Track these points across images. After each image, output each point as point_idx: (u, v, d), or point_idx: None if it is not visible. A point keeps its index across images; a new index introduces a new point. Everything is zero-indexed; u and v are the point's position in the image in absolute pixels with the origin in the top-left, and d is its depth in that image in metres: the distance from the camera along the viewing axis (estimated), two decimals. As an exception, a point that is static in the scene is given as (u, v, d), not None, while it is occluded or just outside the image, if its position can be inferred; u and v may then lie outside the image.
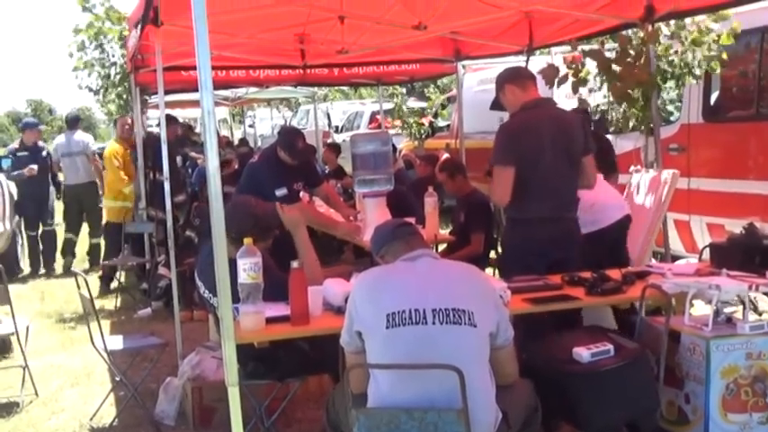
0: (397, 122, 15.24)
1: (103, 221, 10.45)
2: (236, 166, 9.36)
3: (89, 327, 5.13)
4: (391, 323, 2.99)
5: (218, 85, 11.15)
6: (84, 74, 11.17)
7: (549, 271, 4.46)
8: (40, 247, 10.88)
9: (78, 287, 5.20)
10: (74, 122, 11.35)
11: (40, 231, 10.84)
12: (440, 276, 3.18)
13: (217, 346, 4.92)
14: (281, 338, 3.70)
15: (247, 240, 3.54)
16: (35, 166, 10.46)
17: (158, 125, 8.56)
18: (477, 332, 3.03)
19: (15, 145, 11.14)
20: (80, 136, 11.12)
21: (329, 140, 19.22)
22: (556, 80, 6.44)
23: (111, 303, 8.78)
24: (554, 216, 4.63)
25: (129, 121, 9.81)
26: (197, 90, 3.10)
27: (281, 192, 5.76)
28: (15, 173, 10.49)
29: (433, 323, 2.99)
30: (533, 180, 4.56)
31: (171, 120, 10.96)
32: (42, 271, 10.86)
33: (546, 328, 4.10)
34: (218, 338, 3.87)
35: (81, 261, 11.11)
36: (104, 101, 12.20)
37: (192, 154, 11.43)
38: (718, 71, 6.80)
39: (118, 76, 11.06)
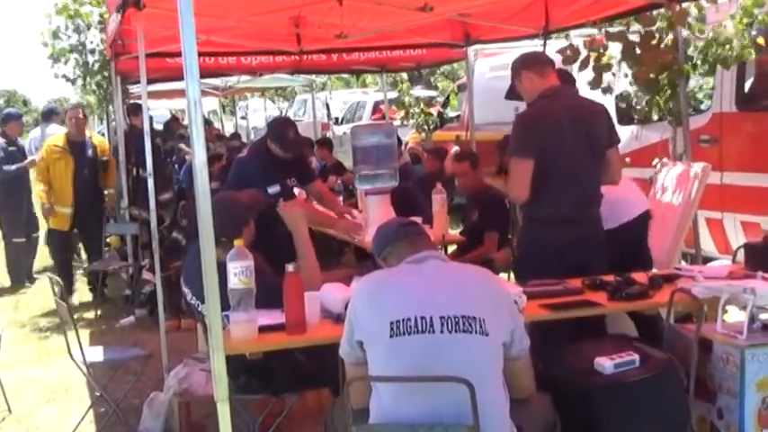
0: (402, 113, 15.24)
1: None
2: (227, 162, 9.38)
3: (66, 337, 5.14)
4: (395, 332, 2.99)
5: (206, 73, 11.15)
6: (60, 62, 11.21)
7: (568, 275, 4.45)
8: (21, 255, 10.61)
9: (54, 293, 5.21)
10: (49, 115, 11.36)
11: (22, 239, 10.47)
12: (448, 280, 3.17)
13: (206, 358, 4.92)
14: (276, 349, 3.70)
15: (238, 242, 3.54)
16: (36, 157, 10.13)
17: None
18: (489, 341, 3.02)
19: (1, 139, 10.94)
20: (55, 129, 11.13)
21: (328, 133, 19.25)
22: (577, 63, 6.44)
23: (90, 311, 8.78)
24: (575, 215, 4.63)
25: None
26: (183, 78, 3.11)
27: (273, 189, 5.74)
28: (14, 167, 10.16)
29: (441, 332, 2.98)
30: (553, 175, 4.56)
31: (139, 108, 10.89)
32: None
33: (565, 337, 4.09)
34: (206, 349, 3.87)
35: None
36: (83, 91, 12.22)
37: (182, 146, 11.45)
38: (753, 58, 6.79)
39: (97, 64, 11.09)
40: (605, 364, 3.53)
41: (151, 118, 8.71)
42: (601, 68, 6.40)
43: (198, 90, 3.09)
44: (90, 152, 9.38)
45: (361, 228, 6.15)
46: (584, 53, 6.46)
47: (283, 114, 24.48)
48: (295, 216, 4.54)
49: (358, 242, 6.28)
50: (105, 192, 9.54)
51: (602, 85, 6.64)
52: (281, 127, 6.16)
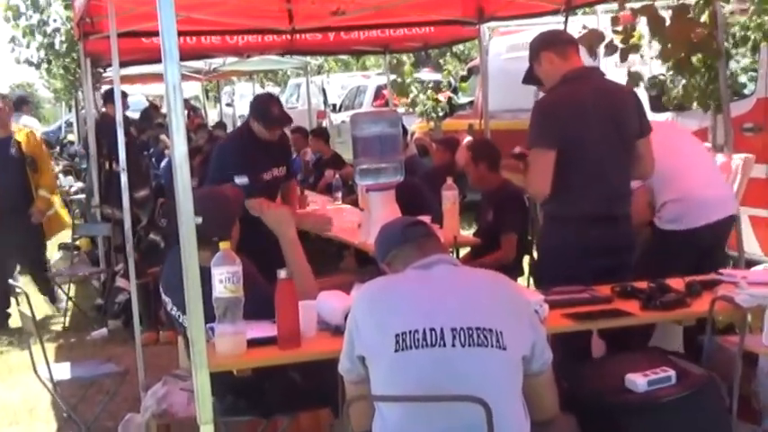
0: (406, 99, 15.22)
1: None
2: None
3: (31, 352, 5.14)
4: (401, 345, 2.99)
5: (187, 54, 11.15)
6: (22, 44, 11.22)
7: (596, 280, 4.45)
8: None
9: (18, 303, 5.21)
10: (19, 104, 11.38)
11: None
12: (461, 288, 3.17)
13: (187, 375, 4.91)
14: (267, 365, 3.69)
15: (224, 244, 3.54)
16: None
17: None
18: (507, 356, 3.02)
19: None
20: (26, 120, 11.14)
21: (324, 122, 19.26)
22: (601, 48, 6.43)
23: (57, 323, 8.79)
24: (603, 213, 4.63)
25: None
26: (160, 61, 3.11)
27: (241, 180, 5.75)
28: None
29: (453, 345, 2.98)
30: (577, 168, 4.56)
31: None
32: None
33: (591, 351, 4.09)
34: (188, 365, 3.87)
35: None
36: (49, 75, 12.24)
37: (163, 137, 11.46)
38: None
39: (64, 46, 11.09)
40: (638, 381, 3.52)
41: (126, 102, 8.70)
42: (628, 50, 6.38)
43: (178, 74, 3.09)
44: (13, 150, 8.84)
45: (331, 222, 6.18)
46: (610, 34, 6.44)
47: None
48: (278, 217, 4.51)
49: (358, 244, 6.28)
50: (42, 193, 9.02)
51: (632, 70, 6.61)
52: (264, 103, 6.19)
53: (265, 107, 6.09)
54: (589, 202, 4.60)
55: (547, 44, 4.77)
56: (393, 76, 13.88)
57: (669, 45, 6.19)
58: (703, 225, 5.29)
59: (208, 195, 4.41)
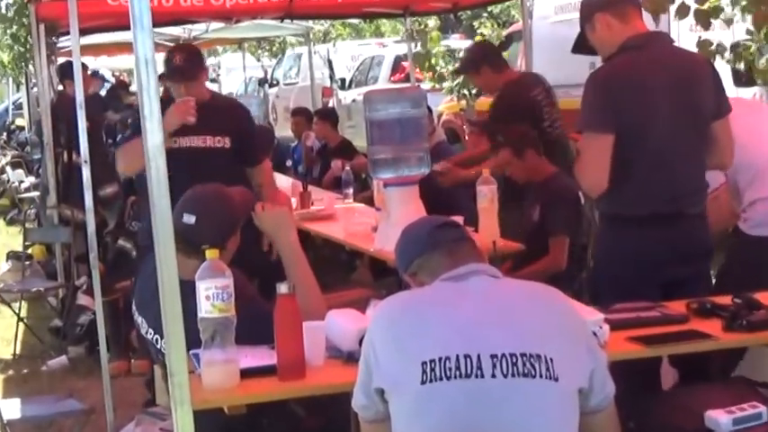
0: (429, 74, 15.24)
1: None
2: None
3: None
4: (429, 376, 3.00)
5: (162, 19, 11.18)
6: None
7: (665, 295, 4.45)
8: None
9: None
10: None
11: None
12: (502, 305, 3.18)
13: (166, 414, 4.94)
14: (264, 401, 3.71)
15: (211, 253, 3.56)
16: None
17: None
18: (559, 388, 3.03)
19: None
20: None
21: (331, 101, 19.27)
22: (670, 11, 6.41)
23: (6, 349, 8.83)
24: (673, 212, 4.64)
25: None
26: (129, 28, 3.12)
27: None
28: None
29: (493, 375, 2.99)
30: (640, 157, 4.58)
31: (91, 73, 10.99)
32: None
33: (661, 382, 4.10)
34: (168, 401, 3.89)
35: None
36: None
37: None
38: None
39: (11, 9, 11.13)
40: (720, 419, 3.52)
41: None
42: (706, 15, 6.36)
43: (151, 44, 3.10)
44: None
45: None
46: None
47: (269, 75, 24.55)
48: (277, 221, 4.51)
49: (374, 252, 6.29)
50: None
51: (711, 47, 6.59)
52: (168, 53, 6.34)
53: (167, 57, 6.24)
54: (654, 199, 4.60)
55: (603, 4, 4.77)
56: (415, 45, 13.87)
57: (763, 8, 6.18)
58: None
59: (209, 194, 4.43)
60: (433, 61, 15.08)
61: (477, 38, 15.86)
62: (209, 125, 6.11)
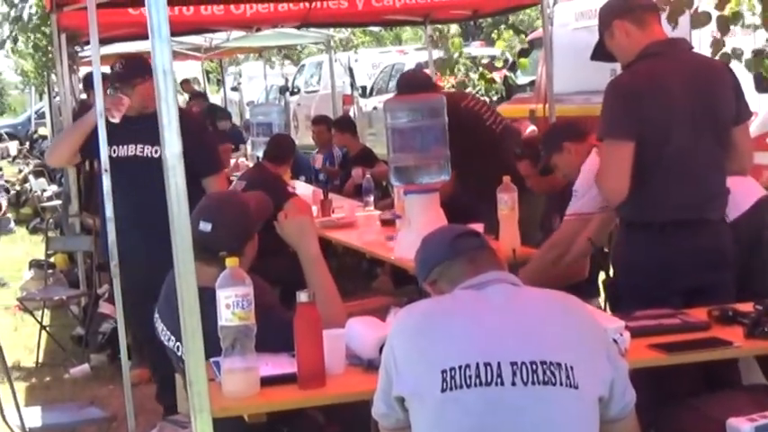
0: (452, 79, 15.20)
1: None
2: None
3: (-3, 393, 5.18)
4: (449, 384, 3.00)
5: (182, 28, 11.22)
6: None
7: (687, 302, 4.44)
8: None
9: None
10: None
11: None
12: (522, 313, 3.18)
13: (187, 421, 4.94)
14: (285, 409, 3.71)
15: (231, 261, 3.56)
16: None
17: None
18: (579, 396, 3.02)
19: None
20: None
21: (352, 109, 19.28)
22: (687, 15, 6.39)
23: (29, 357, 8.85)
24: (694, 218, 4.63)
25: None
26: (149, 37, 3.13)
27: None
28: None
29: (513, 383, 2.98)
30: (661, 163, 4.57)
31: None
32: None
33: (684, 389, 4.08)
34: (188, 408, 3.90)
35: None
36: (15, 55, 12.32)
37: None
38: None
39: (34, 19, 11.16)
40: (742, 427, 3.50)
41: None
42: (725, 21, 6.33)
43: (168, 55, 3.11)
44: None
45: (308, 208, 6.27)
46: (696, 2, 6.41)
47: (291, 83, 24.58)
48: (298, 226, 4.52)
49: (394, 260, 6.29)
50: None
51: (723, 48, 6.55)
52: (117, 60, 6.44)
53: (112, 64, 6.36)
54: (675, 205, 4.59)
55: (621, 11, 4.77)
56: (436, 52, 13.85)
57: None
58: None
59: (224, 200, 4.44)
60: (455, 67, 15.04)
61: (499, 43, 15.84)
62: (150, 135, 5.96)
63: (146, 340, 6.32)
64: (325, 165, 11.91)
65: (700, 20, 6.47)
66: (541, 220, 6.86)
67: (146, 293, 5.92)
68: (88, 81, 9.72)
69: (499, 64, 15.59)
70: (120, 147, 6.18)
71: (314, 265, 4.37)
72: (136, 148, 6.17)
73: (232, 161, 11.49)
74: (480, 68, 15.42)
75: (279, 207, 7.24)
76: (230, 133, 14.50)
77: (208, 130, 7.64)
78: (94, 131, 6.10)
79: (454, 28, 15.08)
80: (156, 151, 6.10)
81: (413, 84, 6.91)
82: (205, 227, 4.04)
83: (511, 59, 15.76)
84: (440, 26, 13.81)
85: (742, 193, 5.37)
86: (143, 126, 5.99)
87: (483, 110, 7.63)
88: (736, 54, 6.76)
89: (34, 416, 5.40)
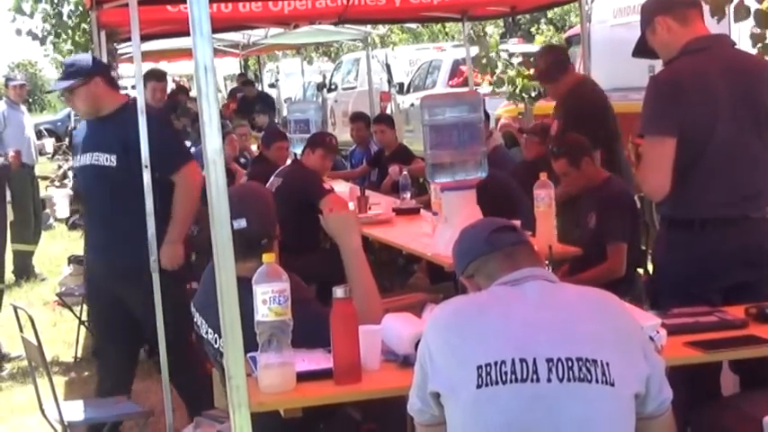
0: (488, 77, 15.16)
1: None
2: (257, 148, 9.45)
3: (36, 387, 5.21)
4: (485, 380, 3.00)
5: (222, 25, 11.26)
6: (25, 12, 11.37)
7: (726, 300, 4.41)
8: None
9: (21, 328, 5.29)
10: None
11: None
12: (558, 310, 3.17)
13: (224, 416, 4.96)
14: (321, 404, 3.72)
15: (268, 257, 3.57)
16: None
17: (134, 86, 8.64)
18: (615, 393, 3.02)
19: None
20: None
21: (389, 106, 19.27)
22: (730, 7, 6.35)
23: (68, 352, 8.90)
24: (735, 215, 4.61)
25: None
26: (189, 34, 3.14)
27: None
28: None
29: (549, 380, 2.98)
30: (703, 159, 4.55)
31: (154, 76, 11.04)
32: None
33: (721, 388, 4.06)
34: (225, 404, 3.91)
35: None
36: (56, 51, 12.37)
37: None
38: None
39: (74, 16, 11.21)
40: (780, 425, 3.49)
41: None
42: (765, 15, 6.28)
43: (210, 51, 3.12)
44: None
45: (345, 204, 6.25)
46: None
47: (328, 80, 24.61)
48: (342, 222, 4.54)
49: (431, 257, 6.28)
50: None
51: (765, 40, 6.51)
52: None
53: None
54: (717, 202, 4.57)
55: (662, 7, 4.75)
56: (474, 50, 13.81)
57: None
58: None
59: (242, 194, 4.46)
60: (494, 65, 14.99)
61: (538, 40, 15.77)
62: (106, 142, 6.01)
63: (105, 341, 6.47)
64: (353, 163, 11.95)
65: (740, 13, 6.43)
66: (578, 219, 6.85)
67: (106, 298, 6.00)
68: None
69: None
70: (81, 156, 6.14)
71: (355, 260, 4.38)
72: (92, 157, 6.04)
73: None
74: (519, 66, 15.36)
75: (315, 204, 7.29)
76: (270, 129, 14.48)
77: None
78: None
79: (493, 26, 15.05)
80: (111, 159, 5.98)
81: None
82: (239, 224, 4.05)
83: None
84: (479, 23, 13.74)
85: None
86: (101, 132, 6.03)
87: None
88: None
89: (73, 410, 5.43)
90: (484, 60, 13.99)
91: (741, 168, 4.61)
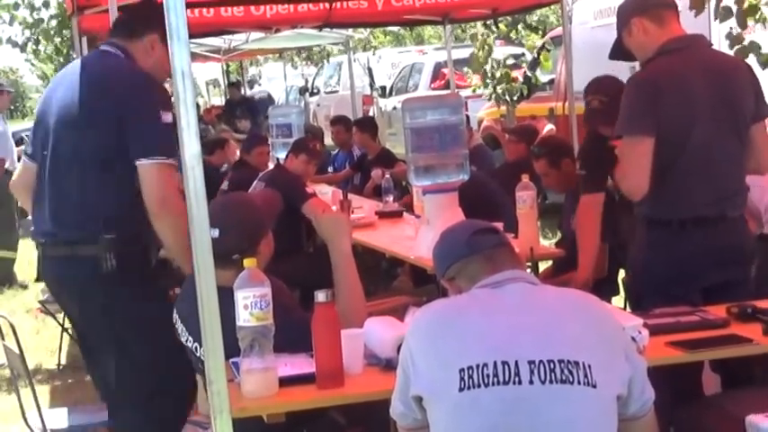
0: (478, 78, 15.15)
1: None
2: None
3: (18, 395, 5.20)
4: (467, 383, 3.00)
5: (202, 29, 11.24)
6: (5, 20, 11.36)
7: (706, 300, 4.43)
8: None
9: (2, 337, 5.27)
10: None
11: None
12: (539, 312, 3.18)
13: (206, 422, 4.95)
14: (304, 408, 3.72)
15: (249, 262, 3.57)
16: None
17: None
18: (597, 395, 3.02)
19: None
20: None
21: (371, 109, 19.29)
22: (709, 5, 6.37)
23: (51, 359, 8.88)
24: (714, 215, 4.63)
25: None
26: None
27: None
28: None
29: (531, 382, 2.99)
30: (682, 160, 4.56)
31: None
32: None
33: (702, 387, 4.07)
34: (208, 409, 3.91)
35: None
36: (36, 59, 12.35)
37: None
38: None
39: (54, 22, 11.19)
40: (761, 424, 3.49)
41: None
42: (745, 13, 6.29)
43: (187, 57, 3.13)
44: None
45: (327, 206, 6.23)
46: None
47: (310, 84, 24.62)
48: (335, 224, 4.54)
49: (414, 260, 6.29)
50: None
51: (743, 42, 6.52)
52: None
53: None
54: (695, 202, 4.59)
55: (638, 8, 4.77)
56: (458, 52, 13.79)
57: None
58: None
59: (226, 204, 4.45)
60: (485, 64, 15.00)
61: (528, 45, 15.75)
62: None
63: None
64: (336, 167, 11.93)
65: (722, 14, 6.44)
66: (559, 222, 6.86)
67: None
68: None
69: (523, 62, 15.56)
70: None
71: (344, 263, 4.37)
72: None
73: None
74: (501, 67, 15.35)
75: (298, 208, 7.28)
76: (252, 133, 14.45)
77: None
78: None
79: (478, 27, 15.05)
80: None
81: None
82: (213, 233, 4.05)
83: (531, 57, 15.72)
84: (460, 25, 13.75)
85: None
86: None
87: None
88: (754, 48, 6.73)
89: (56, 418, 5.42)
90: (481, 59, 14.02)
91: (719, 168, 4.63)
